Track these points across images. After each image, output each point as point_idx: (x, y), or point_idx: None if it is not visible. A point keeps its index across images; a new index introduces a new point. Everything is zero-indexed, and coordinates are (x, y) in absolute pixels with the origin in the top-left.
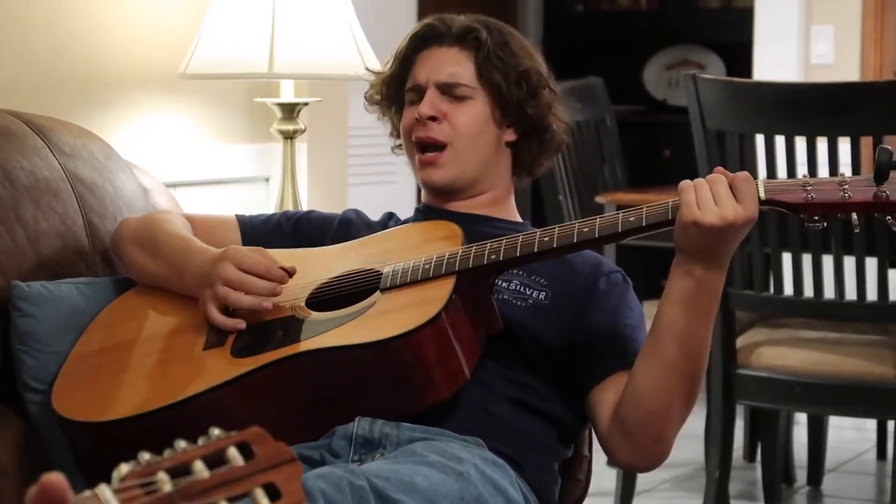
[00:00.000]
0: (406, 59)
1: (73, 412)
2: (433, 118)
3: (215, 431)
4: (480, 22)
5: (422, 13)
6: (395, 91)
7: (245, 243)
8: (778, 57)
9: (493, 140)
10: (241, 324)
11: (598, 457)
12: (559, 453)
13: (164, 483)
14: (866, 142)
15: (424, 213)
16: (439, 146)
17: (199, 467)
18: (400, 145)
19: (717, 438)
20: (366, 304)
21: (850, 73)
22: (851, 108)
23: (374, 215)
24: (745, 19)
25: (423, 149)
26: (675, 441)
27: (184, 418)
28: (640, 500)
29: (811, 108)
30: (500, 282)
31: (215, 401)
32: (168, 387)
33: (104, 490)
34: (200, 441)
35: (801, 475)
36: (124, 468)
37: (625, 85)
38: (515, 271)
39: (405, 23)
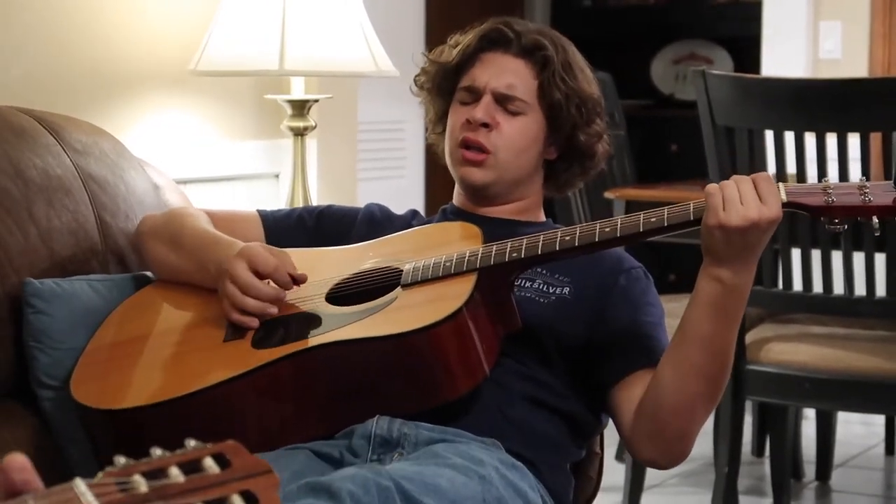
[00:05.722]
0: (468, 56)
1: (91, 400)
2: (485, 125)
3: (191, 442)
4: (547, 36)
5: (429, 11)
6: (450, 83)
7: (268, 238)
8: (786, 52)
9: (536, 157)
10: (253, 321)
11: (607, 451)
12: (573, 454)
13: (140, 484)
14: (875, 137)
15: (453, 215)
16: (483, 150)
17: (175, 472)
18: (441, 132)
19: (726, 434)
20: (387, 300)
21: (858, 68)
22: (861, 105)
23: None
24: (752, 14)
25: (467, 146)
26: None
27: (201, 408)
28: (649, 495)
29: (821, 104)
30: (523, 281)
31: (235, 391)
32: (187, 376)
33: (79, 483)
34: (177, 451)
35: (809, 470)
36: (101, 473)
37: (632, 79)
38: (539, 270)
39: (413, 20)
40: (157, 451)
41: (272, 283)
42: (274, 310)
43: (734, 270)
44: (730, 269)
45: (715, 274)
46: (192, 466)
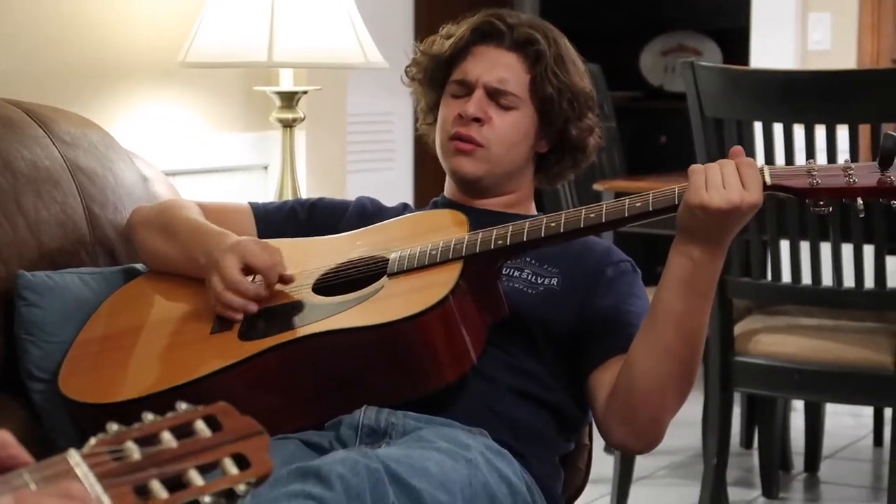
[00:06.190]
0: (461, 49)
1: (79, 394)
2: (477, 119)
3: (182, 405)
4: (539, 30)
5: (418, 1)
6: (442, 74)
7: (260, 230)
8: (775, 43)
9: (527, 150)
10: (237, 315)
11: (596, 444)
12: (560, 447)
13: (133, 451)
14: (864, 129)
15: (444, 207)
16: (475, 143)
17: (167, 437)
18: (431, 123)
19: (715, 425)
20: (373, 289)
21: (846, 60)
22: (850, 96)
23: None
24: (741, 5)
25: (458, 139)
26: (670, 425)
27: (189, 400)
28: (638, 487)
29: (809, 95)
30: (511, 271)
31: (222, 383)
32: (174, 369)
33: (73, 453)
34: (168, 414)
35: (798, 461)
36: (93, 439)
37: (621, 71)
38: (527, 259)
39: (402, 11)
40: (148, 416)
41: (259, 278)
42: (254, 307)
43: (705, 250)
44: (701, 247)
45: (686, 251)
46: (183, 430)
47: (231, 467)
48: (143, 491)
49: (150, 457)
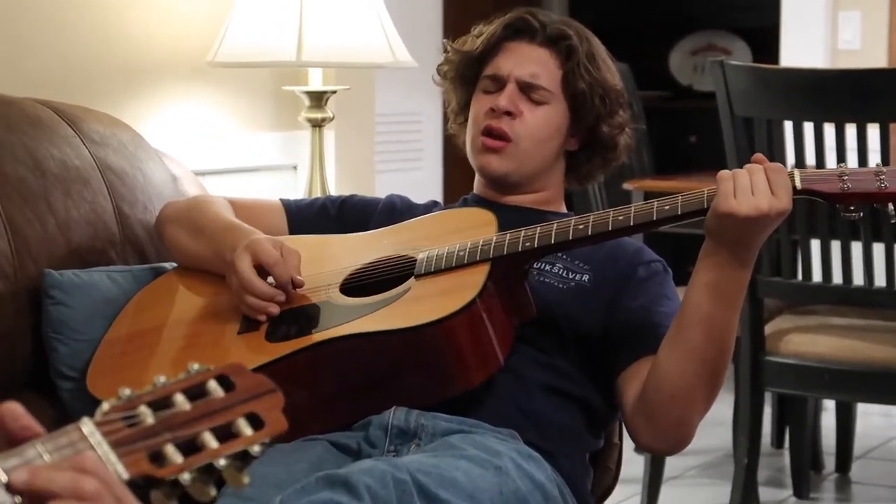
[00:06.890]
0: (493, 45)
1: (106, 394)
2: (509, 113)
3: (194, 366)
4: (572, 27)
5: (447, 1)
6: (473, 72)
7: (291, 226)
8: (805, 42)
9: (557, 147)
10: (261, 315)
11: (626, 443)
12: (590, 444)
13: (146, 416)
14: (895, 128)
15: (474, 204)
16: (505, 138)
17: (181, 399)
18: (462, 123)
19: (746, 425)
20: (400, 291)
21: (877, 59)
22: (880, 95)
23: None
24: (771, 4)
25: (489, 134)
26: (699, 427)
27: None
28: (668, 487)
29: (840, 94)
30: (543, 265)
31: None
32: None
33: (86, 422)
34: (180, 376)
35: (829, 462)
36: (106, 405)
37: (650, 71)
38: (558, 255)
39: (431, 11)
40: (160, 379)
41: (272, 279)
42: (274, 309)
43: (734, 256)
44: (729, 253)
45: (714, 256)
46: (196, 391)
47: (245, 428)
48: (157, 457)
49: (164, 421)
